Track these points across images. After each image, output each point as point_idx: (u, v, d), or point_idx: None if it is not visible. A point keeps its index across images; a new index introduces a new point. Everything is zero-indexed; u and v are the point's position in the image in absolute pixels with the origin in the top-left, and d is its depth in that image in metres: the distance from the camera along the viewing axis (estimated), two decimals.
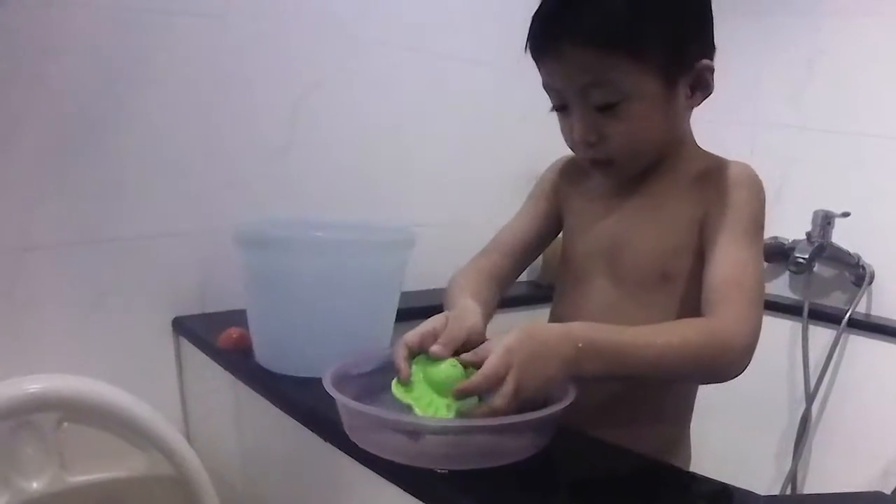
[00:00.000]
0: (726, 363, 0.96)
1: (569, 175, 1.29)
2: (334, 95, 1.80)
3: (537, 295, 2.12)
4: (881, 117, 2.28)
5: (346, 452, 1.00)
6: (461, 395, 0.90)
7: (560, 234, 1.30)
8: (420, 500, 0.89)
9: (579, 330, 0.94)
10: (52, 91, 1.38)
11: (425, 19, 1.96)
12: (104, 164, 1.46)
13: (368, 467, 0.96)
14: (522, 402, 0.89)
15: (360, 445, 0.94)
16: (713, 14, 1.10)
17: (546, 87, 1.10)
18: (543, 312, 1.34)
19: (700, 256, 1.07)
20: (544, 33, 1.05)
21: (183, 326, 1.56)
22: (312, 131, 1.77)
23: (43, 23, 1.35)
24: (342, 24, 1.78)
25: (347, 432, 0.96)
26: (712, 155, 1.16)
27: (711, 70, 1.08)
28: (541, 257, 1.41)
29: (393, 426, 0.91)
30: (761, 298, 1.00)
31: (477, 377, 0.89)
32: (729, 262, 1.01)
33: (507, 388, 0.87)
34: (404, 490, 0.91)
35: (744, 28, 2.51)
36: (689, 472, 1.00)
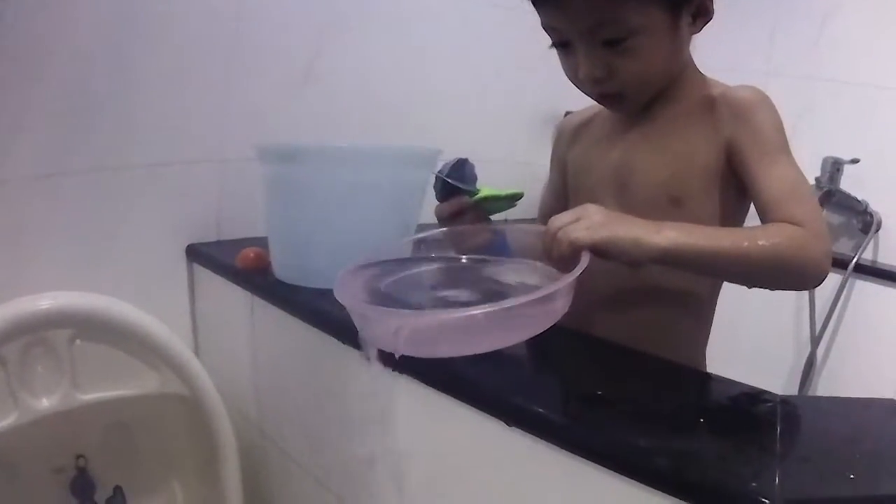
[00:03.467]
0: (814, 268, 0.95)
1: (569, 134, 1.30)
2: (357, 30, 1.80)
3: None
4: (892, 70, 2.29)
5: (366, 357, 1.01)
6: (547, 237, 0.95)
7: None
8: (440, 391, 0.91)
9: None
10: (74, 16, 1.37)
11: None
12: (123, 93, 1.46)
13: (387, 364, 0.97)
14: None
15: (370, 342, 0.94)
16: None
17: (546, 27, 1.07)
18: None
19: (715, 178, 1.08)
20: None
21: (197, 252, 1.57)
22: (335, 64, 1.76)
23: None
24: None
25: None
26: (715, 81, 1.15)
27: None
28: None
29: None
30: (819, 205, 1.01)
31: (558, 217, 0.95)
32: (780, 180, 1.01)
33: (589, 219, 0.93)
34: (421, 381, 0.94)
35: None
36: (707, 373, 1.01)
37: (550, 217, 1.03)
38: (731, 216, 1.10)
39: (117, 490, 1.44)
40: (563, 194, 1.30)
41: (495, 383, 0.89)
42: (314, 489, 1.30)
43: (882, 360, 2.11)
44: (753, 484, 0.66)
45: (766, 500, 0.63)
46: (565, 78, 1.12)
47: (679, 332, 1.16)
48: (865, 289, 2.25)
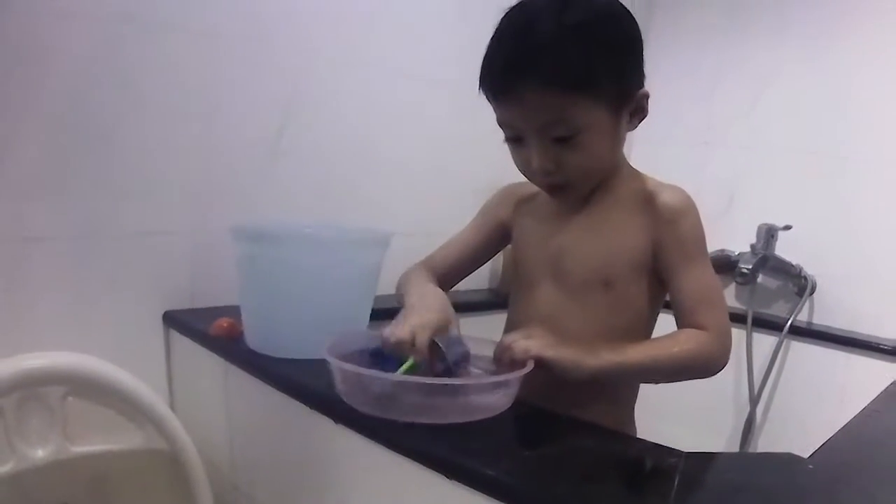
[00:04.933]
0: (714, 365, 1.19)
1: (516, 200, 1.44)
2: (317, 112, 1.92)
3: (495, 302, 2.20)
4: (824, 137, 2.43)
5: (330, 418, 1.16)
6: (500, 348, 1.15)
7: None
8: (395, 451, 1.04)
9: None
10: (52, 92, 1.46)
11: (396, 43, 2.09)
12: (104, 165, 1.55)
13: (352, 428, 1.11)
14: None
15: (353, 405, 1.09)
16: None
17: (501, 123, 1.21)
18: (500, 317, 1.49)
19: (642, 267, 1.25)
20: (502, 79, 1.16)
21: (173, 319, 1.66)
22: (297, 144, 1.88)
23: (40, 31, 1.43)
24: (321, 47, 1.91)
25: (341, 395, 1.11)
26: (645, 175, 1.32)
27: (647, 97, 1.23)
28: (500, 269, 1.57)
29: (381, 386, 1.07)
30: (727, 307, 1.23)
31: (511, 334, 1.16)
32: (696, 283, 1.22)
33: (540, 339, 1.14)
34: (382, 445, 1.06)
35: (698, 53, 2.69)
36: (624, 436, 1.16)
37: (456, 260, 1.42)
38: (655, 298, 1.29)
39: None
40: (478, 246, 1.48)
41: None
42: None
43: (817, 418, 2.24)
44: None
45: None
46: (507, 157, 1.27)
47: (612, 401, 1.34)
48: (801, 349, 2.36)
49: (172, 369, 1.71)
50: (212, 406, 1.58)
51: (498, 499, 0.91)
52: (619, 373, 1.19)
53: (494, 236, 1.46)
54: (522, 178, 1.29)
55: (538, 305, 1.33)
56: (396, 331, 1.11)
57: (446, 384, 1.08)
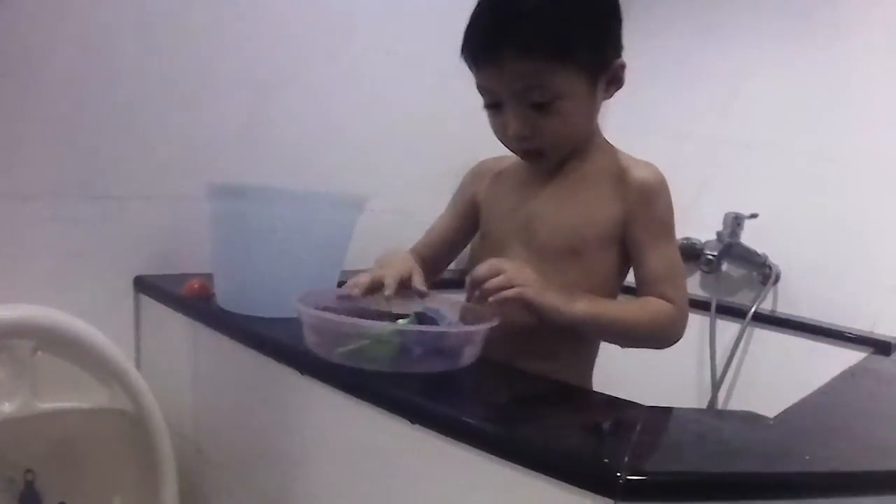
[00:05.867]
0: (674, 336, 1.25)
1: (489, 176, 1.46)
2: (294, 88, 1.93)
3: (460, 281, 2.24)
4: (790, 131, 2.49)
5: (296, 369, 1.17)
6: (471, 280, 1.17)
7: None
8: (360, 398, 1.06)
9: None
10: (34, 53, 1.47)
11: (379, 21, 2.11)
12: (84, 129, 1.56)
13: (318, 378, 1.13)
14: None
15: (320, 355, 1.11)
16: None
17: (480, 88, 1.25)
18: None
19: (610, 238, 1.28)
20: (483, 44, 1.19)
21: (144, 283, 1.67)
22: (276, 114, 1.90)
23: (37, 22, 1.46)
24: (299, 25, 1.92)
25: (311, 346, 1.12)
26: (617, 149, 1.35)
27: (624, 67, 1.25)
28: (468, 249, 1.59)
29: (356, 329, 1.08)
30: (686, 285, 1.29)
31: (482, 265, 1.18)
32: (662, 261, 1.26)
33: (519, 274, 1.16)
34: (348, 393, 1.08)
35: (673, 47, 2.73)
36: (586, 389, 1.19)
37: (439, 242, 1.43)
38: (621, 268, 1.32)
39: None
40: (458, 228, 1.49)
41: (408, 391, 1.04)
42: (248, 498, 1.42)
43: (779, 404, 2.27)
44: (606, 460, 0.82)
45: (617, 472, 0.79)
46: (485, 137, 1.31)
47: (574, 356, 1.37)
48: (764, 336, 2.41)
49: (141, 333, 1.72)
50: (179, 370, 1.59)
51: (462, 442, 0.93)
52: (592, 325, 1.21)
53: (472, 215, 1.48)
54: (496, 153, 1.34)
55: None
56: (359, 278, 1.16)
57: (424, 332, 1.11)
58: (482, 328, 1.10)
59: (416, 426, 0.97)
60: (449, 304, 1.28)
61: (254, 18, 1.83)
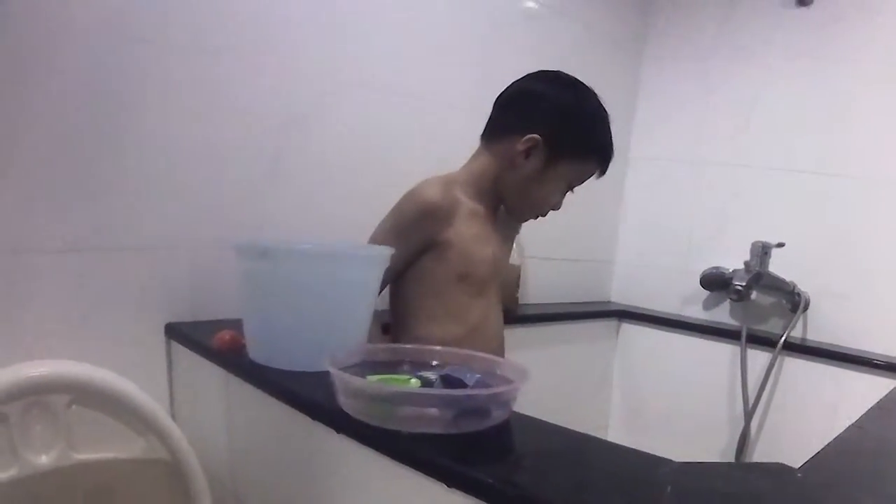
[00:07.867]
0: None
1: (453, 214, 1.56)
2: (316, 130, 1.95)
3: None
4: (817, 155, 2.49)
5: (332, 428, 1.18)
6: None
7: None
8: (396, 460, 1.06)
9: None
10: (54, 101, 1.49)
11: (397, 62, 2.13)
12: (107, 179, 1.58)
13: (353, 438, 1.13)
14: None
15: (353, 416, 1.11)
16: None
17: (579, 181, 1.65)
18: None
19: None
20: (612, 155, 1.61)
21: (175, 331, 1.69)
22: (297, 162, 1.93)
23: (41, 44, 1.46)
24: (318, 65, 1.94)
25: (343, 406, 1.13)
26: None
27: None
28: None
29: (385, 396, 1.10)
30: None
31: None
32: None
33: None
34: (380, 452, 1.08)
35: (690, 75, 2.73)
36: (613, 444, 1.18)
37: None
38: None
39: None
40: (407, 262, 1.59)
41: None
42: None
43: (811, 433, 2.26)
44: None
45: None
46: None
47: None
48: (795, 365, 2.40)
49: (174, 380, 1.74)
50: (213, 417, 1.61)
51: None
52: None
53: (423, 251, 1.57)
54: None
55: (490, 312, 1.68)
56: None
57: (453, 395, 1.12)
58: (512, 388, 1.11)
59: (452, 489, 0.98)
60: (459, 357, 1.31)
61: (285, 62, 1.86)
